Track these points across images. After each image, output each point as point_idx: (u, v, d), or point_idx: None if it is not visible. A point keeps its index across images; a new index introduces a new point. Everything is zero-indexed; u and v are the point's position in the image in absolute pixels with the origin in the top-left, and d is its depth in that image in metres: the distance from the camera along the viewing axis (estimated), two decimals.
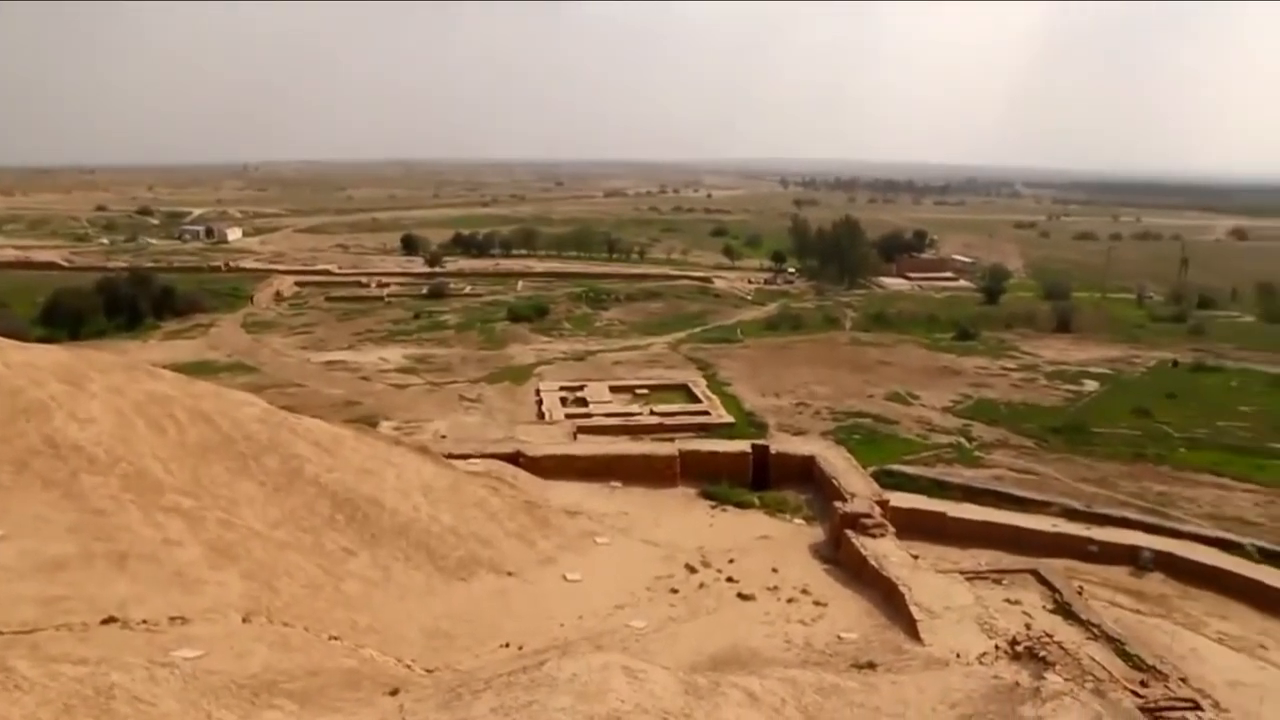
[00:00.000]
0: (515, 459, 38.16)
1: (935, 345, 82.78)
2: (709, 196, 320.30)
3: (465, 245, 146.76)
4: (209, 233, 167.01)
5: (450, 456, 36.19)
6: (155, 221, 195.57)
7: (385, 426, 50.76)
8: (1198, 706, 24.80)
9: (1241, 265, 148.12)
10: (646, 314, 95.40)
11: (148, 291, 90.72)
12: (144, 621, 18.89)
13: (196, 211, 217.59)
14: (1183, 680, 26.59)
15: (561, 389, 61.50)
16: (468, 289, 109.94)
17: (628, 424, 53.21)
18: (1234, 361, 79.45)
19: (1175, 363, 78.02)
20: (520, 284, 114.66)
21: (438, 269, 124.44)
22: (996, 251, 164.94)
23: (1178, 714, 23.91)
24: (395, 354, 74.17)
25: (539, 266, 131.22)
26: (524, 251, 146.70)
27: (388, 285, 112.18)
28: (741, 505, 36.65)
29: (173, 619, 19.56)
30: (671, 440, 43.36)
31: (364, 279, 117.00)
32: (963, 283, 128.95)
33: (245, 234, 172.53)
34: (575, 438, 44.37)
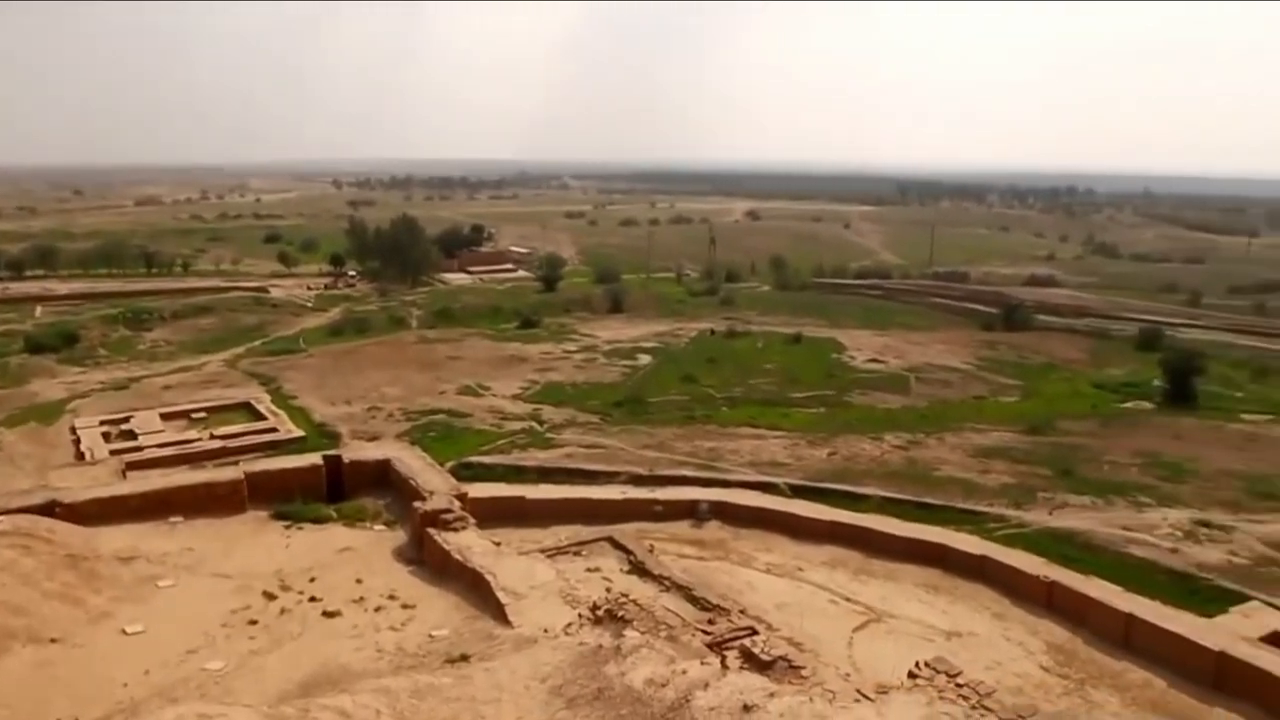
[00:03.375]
0: (51, 510, 33.54)
1: (501, 335, 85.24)
2: (258, 201, 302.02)
3: None
4: None
5: None
6: None
7: None
8: (755, 632, 28.00)
9: (756, 242, 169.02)
10: (197, 331, 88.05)
11: None
12: None
13: None
14: (742, 611, 29.78)
15: (103, 423, 54.90)
16: None
17: (186, 452, 48.93)
18: (758, 326, 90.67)
19: (712, 331, 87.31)
20: (39, 309, 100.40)
21: None
22: (551, 241, 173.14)
23: (739, 642, 26.81)
24: None
25: (62, 288, 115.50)
26: (41, 272, 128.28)
27: None
28: (318, 520, 35.27)
29: None
30: (236, 463, 40.57)
31: None
32: (522, 273, 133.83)
33: None
34: (124, 475, 39.94)
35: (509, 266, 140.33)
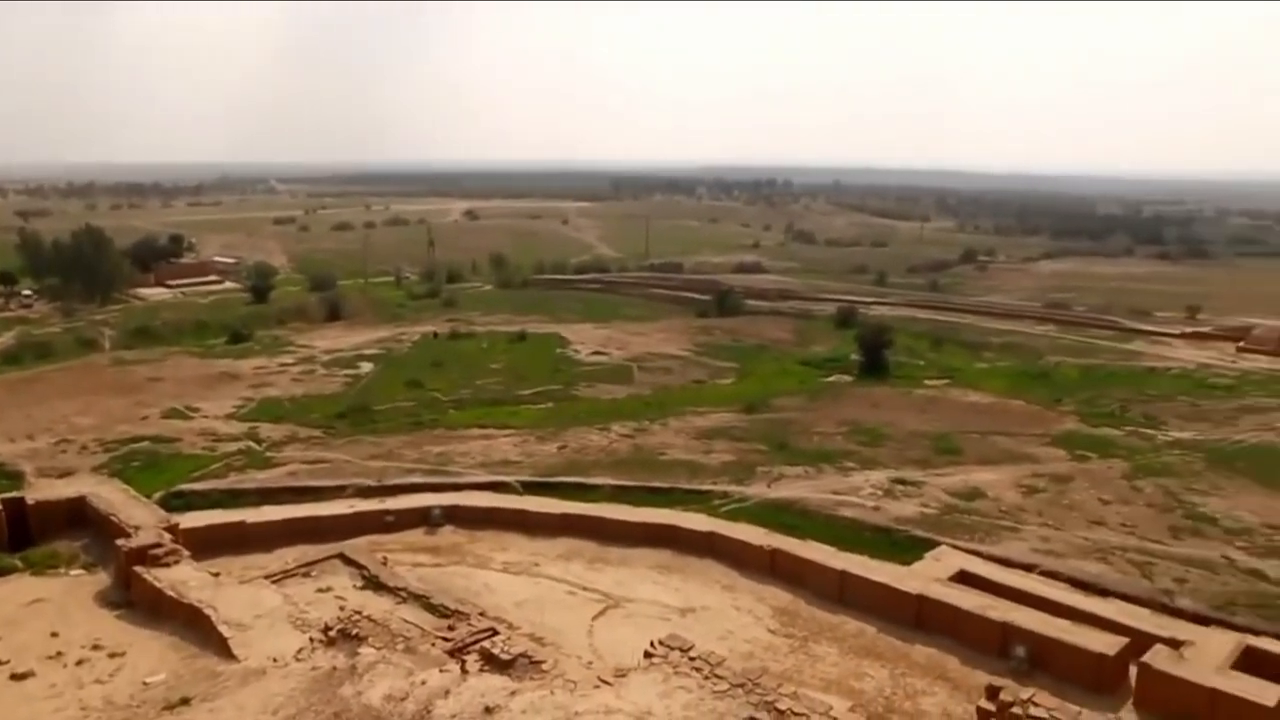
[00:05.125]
0: None
1: (209, 352, 79.66)
2: None
3: None
4: None
5: None
6: None
7: None
8: (495, 632, 27.91)
9: (476, 241, 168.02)
10: None
11: None
12: None
13: None
14: (481, 614, 29.62)
15: None
16: None
17: None
18: (482, 326, 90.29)
19: (435, 334, 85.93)
20: None
21: None
22: (259, 249, 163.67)
23: (479, 645, 26.62)
24: None
25: None
26: None
27: None
28: (0, 573, 31.58)
29: None
30: None
31: None
32: (229, 284, 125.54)
33: None
34: None
35: (214, 278, 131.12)
